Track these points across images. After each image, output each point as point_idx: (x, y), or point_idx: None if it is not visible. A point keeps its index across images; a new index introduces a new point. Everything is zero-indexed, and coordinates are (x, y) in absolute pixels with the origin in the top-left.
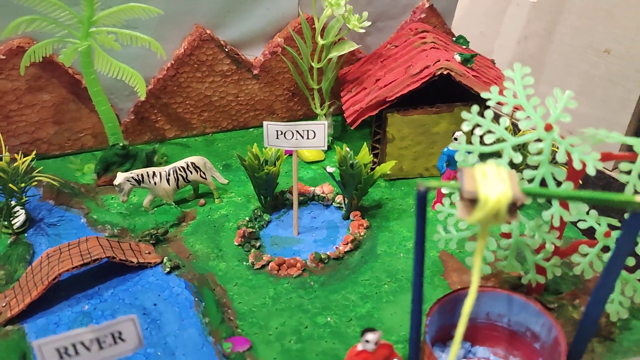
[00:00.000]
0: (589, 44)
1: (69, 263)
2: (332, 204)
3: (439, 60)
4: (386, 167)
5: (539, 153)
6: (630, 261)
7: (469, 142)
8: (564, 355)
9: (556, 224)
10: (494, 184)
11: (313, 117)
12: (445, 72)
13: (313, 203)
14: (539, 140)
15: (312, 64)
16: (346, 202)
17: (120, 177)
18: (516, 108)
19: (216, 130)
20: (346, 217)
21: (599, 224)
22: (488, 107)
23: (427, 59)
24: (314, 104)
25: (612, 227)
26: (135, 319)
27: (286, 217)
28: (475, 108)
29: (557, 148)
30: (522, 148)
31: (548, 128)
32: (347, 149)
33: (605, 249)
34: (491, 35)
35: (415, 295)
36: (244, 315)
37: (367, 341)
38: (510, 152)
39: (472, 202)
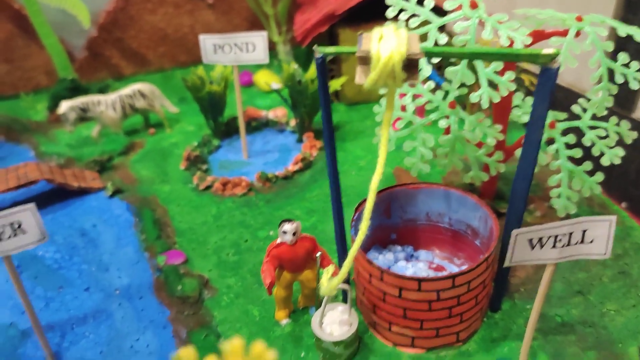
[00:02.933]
0: None
1: (4, 185)
2: (286, 128)
3: None
4: (336, 83)
5: (465, 32)
6: (577, 152)
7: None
8: (495, 239)
9: (484, 105)
10: (389, 42)
11: (272, 45)
12: None
13: (268, 129)
14: (465, 18)
15: None
16: (298, 123)
17: (64, 105)
18: None
19: (174, 65)
20: (299, 140)
21: None
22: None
23: None
24: (271, 30)
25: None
26: (33, 208)
27: (237, 142)
28: None
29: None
30: None
31: (473, 5)
32: (295, 66)
33: (550, 141)
34: None
35: (331, 177)
36: (183, 232)
37: (284, 232)
38: (435, 33)
39: (369, 65)
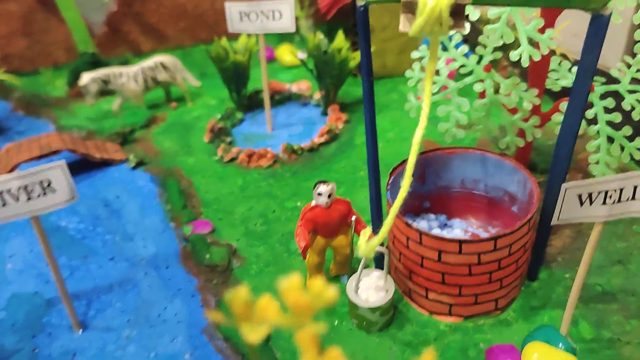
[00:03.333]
0: None
1: (27, 154)
2: (310, 101)
3: None
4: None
5: None
6: (617, 117)
7: None
8: (536, 202)
9: (525, 64)
10: None
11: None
12: None
13: (291, 102)
14: None
15: None
16: (323, 95)
17: (86, 77)
18: None
19: (194, 41)
20: (324, 113)
21: None
22: None
23: None
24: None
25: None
26: (63, 165)
27: (261, 116)
28: None
29: None
30: None
31: None
32: (321, 36)
33: (589, 105)
34: None
35: (368, 142)
36: (209, 202)
37: (319, 194)
38: None
39: (413, 13)
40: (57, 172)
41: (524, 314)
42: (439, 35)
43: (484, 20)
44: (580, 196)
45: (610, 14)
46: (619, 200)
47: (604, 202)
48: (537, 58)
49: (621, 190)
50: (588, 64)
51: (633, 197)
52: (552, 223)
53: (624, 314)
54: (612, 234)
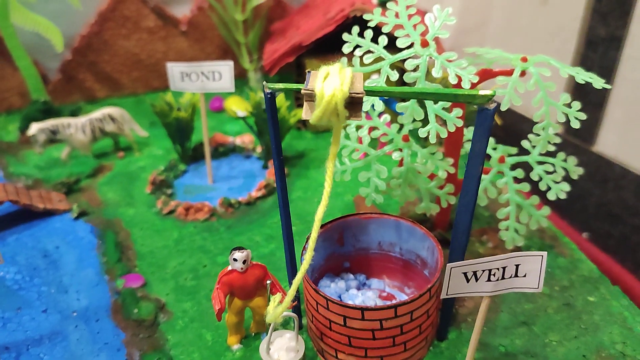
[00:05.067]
0: None
1: None
2: (253, 154)
3: (354, 4)
4: (302, 111)
5: (416, 69)
6: (525, 187)
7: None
8: (438, 270)
9: (432, 140)
10: (332, 81)
11: (243, 73)
12: (358, 14)
13: (235, 154)
14: (415, 57)
15: (237, 17)
16: (264, 150)
17: (34, 127)
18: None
19: (147, 89)
20: (265, 167)
21: (495, 149)
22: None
23: (345, 2)
24: (243, 58)
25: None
26: None
27: (203, 168)
28: (355, 29)
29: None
30: None
31: (424, 44)
32: (262, 94)
33: (501, 174)
34: None
35: (281, 207)
36: (144, 255)
37: (234, 259)
38: (387, 70)
39: (314, 102)
40: None
41: None
42: (338, 125)
43: None
44: (465, 274)
45: (496, 107)
46: (503, 277)
47: (489, 279)
48: (444, 135)
49: (504, 268)
50: (477, 150)
51: (516, 275)
52: (441, 297)
53: None
54: (521, 295)
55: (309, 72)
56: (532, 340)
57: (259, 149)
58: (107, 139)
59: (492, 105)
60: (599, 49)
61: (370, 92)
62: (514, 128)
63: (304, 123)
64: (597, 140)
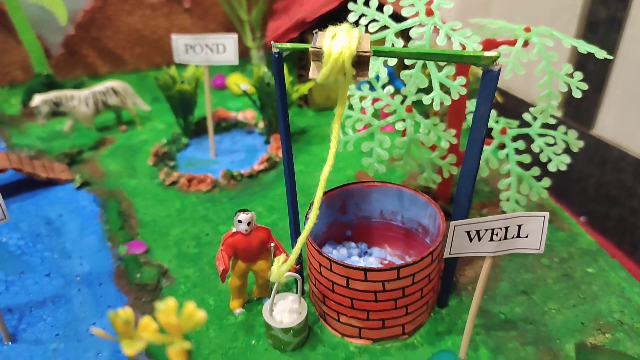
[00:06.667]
0: None
1: None
2: (255, 130)
3: None
4: (305, 87)
5: (420, 38)
6: (526, 158)
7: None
8: (440, 235)
9: (436, 107)
10: (340, 40)
11: (246, 51)
12: None
13: (237, 130)
14: (420, 25)
15: None
16: (266, 125)
17: (37, 98)
18: None
19: (149, 66)
20: (267, 142)
21: (497, 122)
22: None
23: None
24: (246, 36)
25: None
26: None
27: (206, 142)
28: None
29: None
30: None
31: (429, 13)
32: (265, 69)
33: (502, 146)
34: None
35: (286, 170)
36: (146, 224)
37: (239, 221)
38: (392, 38)
39: (322, 61)
40: None
41: (429, 339)
42: (345, 84)
43: None
44: (468, 233)
45: (499, 70)
46: (505, 237)
47: (492, 239)
48: (447, 103)
49: (506, 228)
50: (481, 113)
51: (518, 235)
52: (444, 256)
53: (520, 340)
54: (520, 265)
55: (316, 32)
56: (532, 308)
57: (261, 125)
58: (110, 112)
59: (497, 67)
60: (600, 30)
61: (377, 52)
62: (514, 112)
63: (305, 100)
64: (596, 123)
